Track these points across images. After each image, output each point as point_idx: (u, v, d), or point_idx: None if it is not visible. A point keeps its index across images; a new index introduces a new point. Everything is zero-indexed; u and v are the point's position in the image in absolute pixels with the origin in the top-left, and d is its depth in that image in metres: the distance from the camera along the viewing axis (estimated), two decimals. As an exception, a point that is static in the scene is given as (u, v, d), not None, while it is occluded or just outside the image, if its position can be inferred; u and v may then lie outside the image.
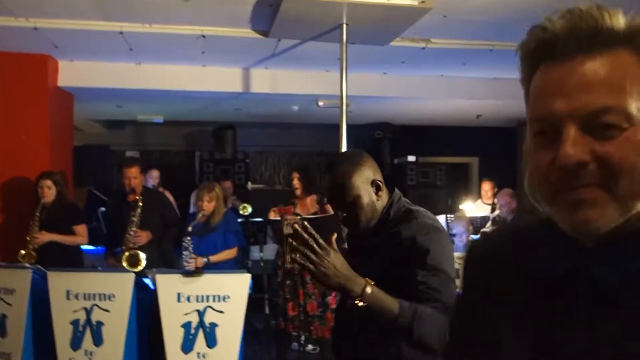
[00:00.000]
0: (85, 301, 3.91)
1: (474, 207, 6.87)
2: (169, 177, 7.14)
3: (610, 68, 0.67)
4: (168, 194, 5.76)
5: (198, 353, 3.95)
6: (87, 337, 3.91)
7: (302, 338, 4.88)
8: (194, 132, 8.71)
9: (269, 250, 5.24)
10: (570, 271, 0.70)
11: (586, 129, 0.66)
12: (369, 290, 1.48)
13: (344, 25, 4.05)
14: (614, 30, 0.67)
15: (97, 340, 3.91)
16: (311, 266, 1.49)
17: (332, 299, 4.41)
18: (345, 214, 1.79)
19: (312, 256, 1.48)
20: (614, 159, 0.65)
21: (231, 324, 3.97)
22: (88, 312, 3.90)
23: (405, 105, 6.83)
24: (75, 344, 3.91)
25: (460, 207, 6.65)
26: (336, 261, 1.50)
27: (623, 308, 0.66)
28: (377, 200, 1.78)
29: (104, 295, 3.92)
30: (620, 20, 0.68)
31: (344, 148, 4.13)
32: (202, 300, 3.96)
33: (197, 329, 3.94)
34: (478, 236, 5.99)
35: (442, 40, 4.74)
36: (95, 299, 3.92)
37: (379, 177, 1.80)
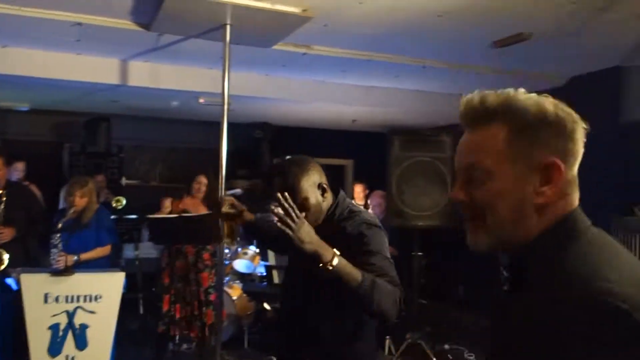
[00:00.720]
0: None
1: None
2: (35, 169, 6.68)
3: (482, 138, 0.97)
4: (34, 188, 5.42)
5: (67, 356, 3.81)
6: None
7: (177, 338, 4.85)
8: (63, 122, 8.19)
9: (146, 249, 5.11)
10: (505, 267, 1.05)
11: (467, 179, 0.98)
12: (337, 257, 1.70)
13: (228, 26, 4.09)
14: (487, 108, 0.97)
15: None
16: (290, 231, 1.70)
17: (212, 297, 4.45)
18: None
19: (292, 223, 1.71)
20: (478, 201, 0.96)
21: (103, 325, 3.87)
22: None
23: (285, 107, 6.98)
24: None
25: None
26: (310, 231, 1.74)
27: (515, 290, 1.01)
28: (323, 201, 1.99)
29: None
30: (489, 100, 0.96)
31: (224, 146, 4.16)
32: (72, 301, 3.81)
33: (65, 331, 3.79)
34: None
35: (323, 47, 4.92)
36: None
37: (324, 180, 2.01)
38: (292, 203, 1.76)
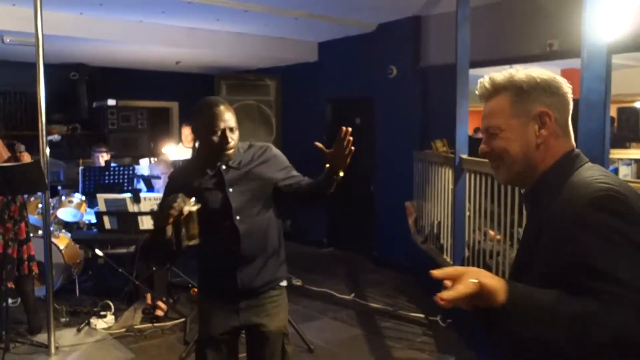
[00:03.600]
0: None
1: (176, 150, 7.22)
2: None
3: (493, 106, 1.35)
4: None
5: None
6: None
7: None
8: None
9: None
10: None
11: (488, 136, 1.36)
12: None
13: (36, -39, 3.82)
14: (495, 85, 1.35)
15: None
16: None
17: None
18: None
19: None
20: (496, 148, 1.34)
21: None
22: None
23: (102, 48, 6.66)
24: None
25: (163, 150, 6.92)
26: None
27: (534, 207, 1.37)
28: None
29: None
30: (496, 80, 1.35)
31: (42, 90, 3.96)
32: None
33: None
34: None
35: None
36: None
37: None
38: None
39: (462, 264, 4.53)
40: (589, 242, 1.12)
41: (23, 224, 4.29)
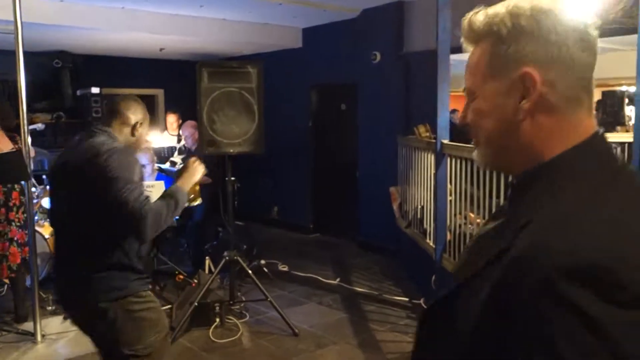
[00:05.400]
0: None
1: (161, 138, 7.22)
2: None
3: (471, 60, 0.93)
4: None
5: None
6: None
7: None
8: None
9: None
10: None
11: (467, 102, 0.95)
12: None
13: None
14: (474, 30, 0.91)
15: None
16: None
17: (16, 235, 4.32)
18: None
19: None
20: (470, 122, 0.94)
21: None
22: None
23: (85, 35, 6.61)
24: None
25: (147, 138, 6.90)
26: None
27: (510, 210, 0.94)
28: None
29: None
30: (476, 22, 0.90)
31: (22, 78, 3.95)
32: None
33: None
34: (166, 165, 6.40)
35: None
36: None
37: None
38: None
39: (445, 248, 4.61)
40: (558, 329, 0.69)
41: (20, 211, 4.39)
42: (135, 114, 2.50)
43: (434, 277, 4.65)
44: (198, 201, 2.47)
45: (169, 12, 6.29)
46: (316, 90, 7.71)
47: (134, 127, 2.49)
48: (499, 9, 0.88)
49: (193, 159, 2.70)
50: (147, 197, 2.29)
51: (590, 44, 0.85)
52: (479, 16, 0.91)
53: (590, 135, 0.86)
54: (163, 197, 2.40)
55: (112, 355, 2.38)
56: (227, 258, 4.49)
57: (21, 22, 3.93)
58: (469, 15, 0.93)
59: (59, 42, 7.09)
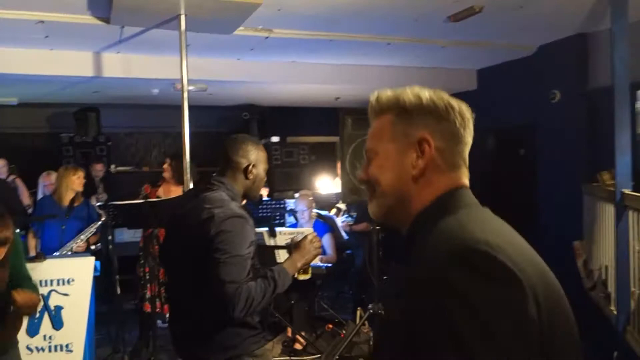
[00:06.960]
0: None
1: (332, 184, 7.36)
2: (29, 161, 6.99)
3: (375, 127, 1.16)
4: (19, 182, 5.69)
5: (44, 335, 4.06)
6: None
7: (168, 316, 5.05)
8: (54, 114, 8.44)
9: (119, 234, 5.37)
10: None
11: (367, 161, 1.17)
12: None
13: (182, 16, 4.22)
14: (380, 103, 1.16)
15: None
16: None
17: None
18: None
19: None
20: (370, 177, 1.15)
21: (76, 306, 4.10)
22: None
23: (264, 89, 7.10)
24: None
25: (316, 184, 7.04)
26: None
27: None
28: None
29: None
30: (382, 97, 1.16)
31: (186, 130, 4.28)
32: (46, 285, 4.05)
33: (42, 313, 4.02)
34: (332, 211, 6.47)
35: (283, 30, 5.03)
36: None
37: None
38: None
39: (629, 319, 3.84)
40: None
41: None
42: (245, 156, 2.34)
43: (615, 354, 3.89)
44: (307, 276, 2.29)
45: (336, 63, 6.45)
46: (492, 133, 7.21)
47: (246, 171, 2.34)
48: (403, 90, 1.14)
49: (310, 235, 2.44)
50: (249, 274, 2.17)
51: (467, 124, 1.14)
52: (384, 92, 1.16)
53: (463, 185, 1.12)
54: (265, 277, 2.22)
55: None
56: (371, 311, 4.30)
57: (187, 80, 4.31)
58: (375, 93, 1.18)
59: (243, 96, 7.71)
